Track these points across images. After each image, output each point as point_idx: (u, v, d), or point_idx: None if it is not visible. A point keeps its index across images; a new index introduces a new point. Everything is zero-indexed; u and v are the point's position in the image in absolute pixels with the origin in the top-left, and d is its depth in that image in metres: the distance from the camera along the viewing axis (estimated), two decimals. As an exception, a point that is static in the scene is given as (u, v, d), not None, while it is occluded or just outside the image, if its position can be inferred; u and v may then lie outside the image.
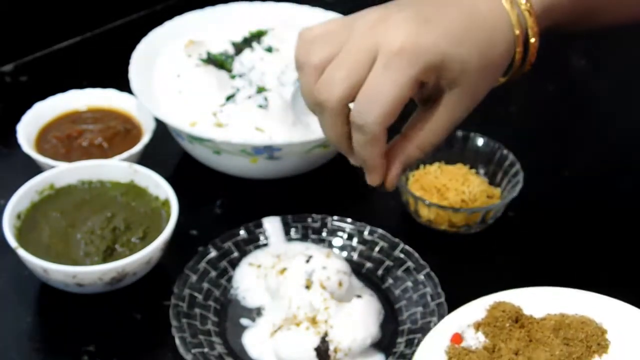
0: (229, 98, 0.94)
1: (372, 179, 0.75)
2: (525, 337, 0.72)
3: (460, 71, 0.70)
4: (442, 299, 0.80)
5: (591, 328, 0.72)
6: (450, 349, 0.71)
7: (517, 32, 0.72)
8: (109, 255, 0.81)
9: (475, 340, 0.72)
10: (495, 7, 0.72)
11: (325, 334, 0.76)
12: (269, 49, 0.98)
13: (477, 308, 0.74)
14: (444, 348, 0.71)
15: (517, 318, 0.73)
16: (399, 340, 0.79)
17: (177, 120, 0.90)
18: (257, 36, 1.00)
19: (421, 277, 0.82)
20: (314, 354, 0.75)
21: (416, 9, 0.70)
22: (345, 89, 0.69)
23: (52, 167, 0.88)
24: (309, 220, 0.88)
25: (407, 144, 0.74)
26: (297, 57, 0.73)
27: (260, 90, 0.94)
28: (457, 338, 0.72)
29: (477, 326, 0.73)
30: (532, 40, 0.73)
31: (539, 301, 0.75)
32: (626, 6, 0.81)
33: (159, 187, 0.86)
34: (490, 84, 0.74)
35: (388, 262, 0.85)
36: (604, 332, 0.72)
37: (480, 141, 0.94)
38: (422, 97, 0.74)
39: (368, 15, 0.71)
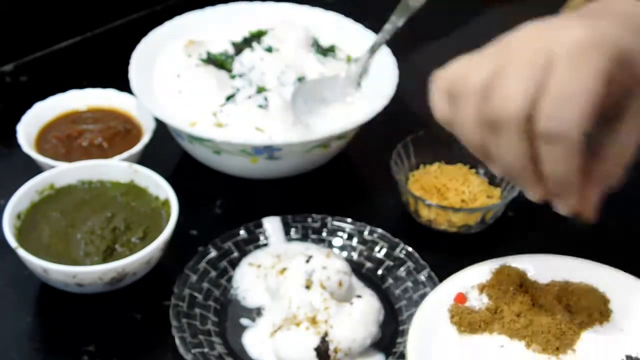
0: (229, 98, 0.94)
1: (573, 203, 0.65)
2: (528, 302, 0.73)
3: None
4: (442, 299, 0.80)
5: (594, 296, 0.74)
6: (453, 307, 0.73)
7: None
8: (109, 255, 0.81)
9: (478, 301, 0.74)
10: None
11: (325, 334, 0.76)
12: (269, 49, 0.98)
13: (483, 270, 0.75)
14: (447, 306, 0.73)
15: (522, 283, 0.75)
16: (399, 340, 0.79)
17: (177, 120, 0.90)
18: (257, 36, 1.00)
19: (421, 277, 0.82)
20: (314, 354, 0.75)
21: (577, 16, 0.63)
22: (525, 98, 0.60)
23: (52, 167, 0.88)
24: (309, 220, 0.88)
25: (603, 163, 0.65)
26: (446, 90, 0.65)
27: (260, 90, 0.94)
28: (461, 298, 0.74)
29: (482, 288, 0.74)
30: None
31: (544, 268, 0.76)
32: None
33: (159, 187, 0.86)
34: None
35: (388, 262, 0.85)
36: (606, 301, 0.74)
37: (480, 141, 0.94)
38: (605, 116, 0.64)
39: (523, 31, 0.63)
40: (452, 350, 0.71)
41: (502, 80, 0.61)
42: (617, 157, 0.65)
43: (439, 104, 0.66)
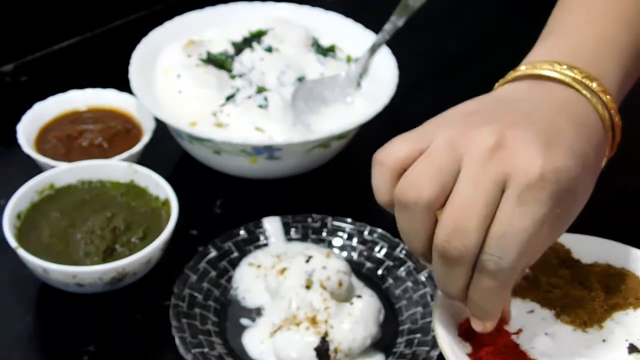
0: (229, 98, 0.94)
1: (488, 327, 0.65)
2: (567, 276, 0.74)
3: (582, 196, 0.64)
4: (442, 299, 0.80)
5: (633, 282, 0.74)
6: None
7: (609, 134, 0.68)
8: (109, 255, 0.81)
9: None
10: (584, 102, 0.66)
11: (325, 334, 0.76)
12: (269, 49, 0.98)
13: None
14: None
15: (565, 259, 0.75)
16: (399, 340, 0.79)
17: (177, 120, 0.90)
18: (257, 36, 1.00)
19: (421, 277, 0.82)
20: (314, 354, 0.75)
21: (524, 127, 0.61)
22: (482, 235, 0.59)
23: (52, 167, 0.88)
24: (309, 220, 0.88)
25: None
26: (375, 161, 0.65)
27: (260, 90, 0.94)
28: None
29: None
30: (616, 119, 0.69)
31: (590, 249, 0.76)
32: None
33: (159, 187, 0.86)
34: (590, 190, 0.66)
35: (388, 262, 0.85)
36: None
37: (480, 141, 0.94)
38: None
39: (478, 134, 0.61)
40: None
41: (419, 162, 0.62)
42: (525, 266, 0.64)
43: (381, 187, 0.65)
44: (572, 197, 0.62)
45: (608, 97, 0.68)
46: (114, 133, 0.94)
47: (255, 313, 0.81)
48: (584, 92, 0.66)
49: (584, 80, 0.67)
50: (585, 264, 0.76)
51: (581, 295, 0.73)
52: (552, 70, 0.67)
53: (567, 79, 0.67)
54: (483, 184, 0.59)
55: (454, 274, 0.61)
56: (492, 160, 0.60)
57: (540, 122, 0.62)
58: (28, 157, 0.91)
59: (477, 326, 0.65)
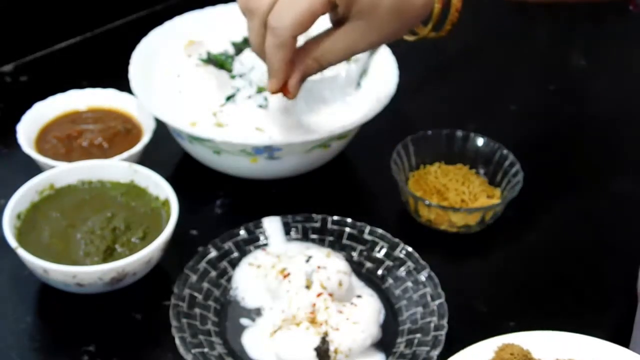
0: (229, 98, 0.94)
1: (272, 84, 0.81)
2: None
3: (371, 6, 0.76)
4: (442, 299, 0.80)
5: None
6: None
7: None
8: (109, 255, 0.81)
9: None
10: None
11: (325, 334, 0.76)
12: (269, 49, 0.98)
13: (485, 349, 0.71)
14: None
15: None
16: (399, 340, 0.79)
17: (177, 120, 0.90)
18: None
19: (421, 277, 0.82)
20: (314, 354, 0.75)
21: None
22: (273, 1, 0.76)
23: (52, 167, 0.88)
24: (309, 220, 0.88)
25: (305, 56, 0.80)
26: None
27: (260, 90, 0.94)
28: None
29: None
30: None
31: (548, 345, 0.72)
32: None
33: (159, 187, 0.86)
34: (400, 29, 0.79)
35: (388, 262, 0.85)
36: None
37: (480, 141, 0.95)
38: (334, 19, 0.79)
39: None
40: None
41: None
42: (317, 54, 0.79)
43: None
44: (359, 7, 0.76)
45: None
46: (114, 133, 0.94)
47: (255, 313, 0.81)
48: None
49: None
50: None
51: None
52: None
53: None
54: None
55: (252, 26, 0.79)
56: None
57: None
58: (28, 157, 0.91)
59: (268, 85, 0.81)
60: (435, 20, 0.78)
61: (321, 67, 0.81)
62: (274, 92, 0.81)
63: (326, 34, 0.80)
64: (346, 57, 0.80)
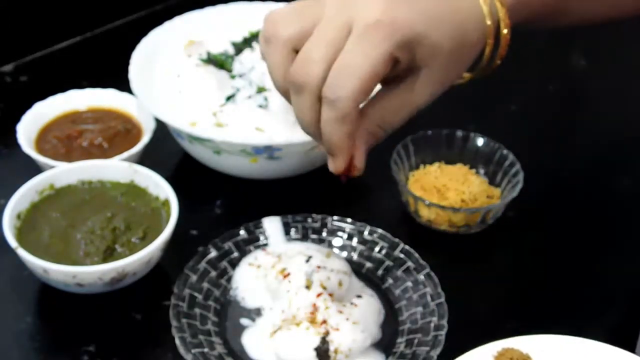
0: (229, 98, 0.94)
1: (337, 164, 0.72)
2: None
3: (432, 53, 0.69)
4: (442, 299, 0.80)
5: None
6: None
7: (489, 22, 0.72)
8: (109, 255, 0.81)
9: None
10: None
11: (325, 334, 0.76)
12: (269, 49, 0.98)
13: (485, 354, 0.72)
14: None
15: None
16: (399, 340, 0.79)
17: (177, 120, 0.90)
18: (257, 36, 1.00)
19: (421, 277, 0.82)
20: (314, 354, 0.75)
21: None
22: (325, 68, 0.67)
23: (52, 167, 0.88)
24: (309, 220, 0.88)
25: (367, 123, 0.72)
26: (264, 34, 0.71)
27: (260, 90, 0.94)
28: None
29: None
30: (504, 32, 0.73)
31: (548, 349, 0.72)
32: (594, 6, 0.82)
33: (159, 187, 0.86)
34: (459, 72, 0.73)
35: (388, 262, 0.85)
36: None
37: (480, 141, 0.95)
38: (390, 76, 0.71)
39: None
40: None
41: (308, 44, 0.68)
42: (381, 119, 0.71)
43: (261, 40, 0.73)
44: (420, 56, 0.69)
45: (504, 10, 0.72)
46: (114, 133, 0.94)
47: (255, 313, 0.81)
48: None
49: None
50: None
51: None
52: None
53: None
54: (329, 27, 0.68)
55: (302, 102, 0.70)
56: (343, 9, 0.68)
57: None
58: (28, 157, 0.91)
59: (330, 165, 0.72)
60: (488, 57, 0.74)
61: (386, 133, 0.72)
62: (340, 173, 0.73)
63: (383, 94, 0.72)
64: (411, 115, 0.72)
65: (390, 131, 0.73)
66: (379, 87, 0.71)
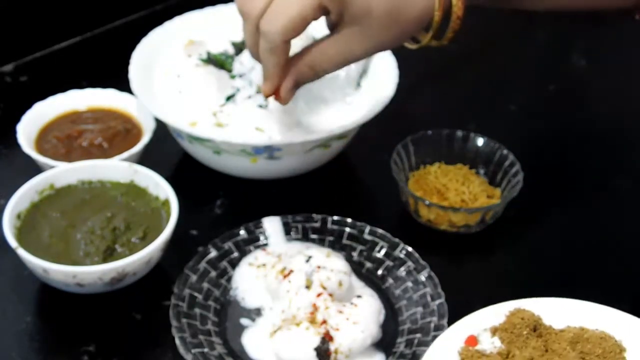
0: (229, 98, 0.94)
1: (266, 87, 0.80)
2: (541, 347, 0.71)
3: (365, 11, 0.74)
4: (442, 299, 0.80)
5: (609, 344, 0.71)
6: (463, 350, 0.71)
7: None
8: (109, 255, 0.81)
9: (490, 344, 0.71)
10: None
11: (325, 334, 0.76)
12: (269, 49, 0.98)
13: (496, 313, 0.73)
14: (457, 349, 0.71)
15: (536, 327, 0.72)
16: (399, 340, 0.79)
17: (177, 120, 0.90)
18: (257, 36, 1.00)
19: (421, 277, 0.82)
20: (314, 354, 0.75)
21: None
22: (265, 4, 0.76)
23: (52, 167, 0.88)
24: (309, 220, 0.88)
25: (299, 61, 0.79)
26: (238, 9, 0.79)
27: (260, 90, 0.94)
28: (472, 340, 0.71)
29: (494, 331, 0.72)
30: (455, 5, 0.76)
31: (560, 312, 0.73)
32: None
33: (159, 187, 0.86)
34: (398, 37, 0.78)
35: (388, 262, 0.85)
36: (622, 350, 0.71)
37: (480, 141, 0.95)
38: (330, 25, 0.78)
39: None
40: None
41: None
42: (312, 60, 0.78)
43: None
44: (351, 11, 0.75)
45: None
46: (114, 133, 0.94)
47: (255, 313, 0.81)
48: None
49: None
50: (557, 330, 0.73)
51: None
52: None
53: None
54: None
55: (246, 31, 0.78)
56: None
57: None
58: (28, 157, 0.91)
59: (262, 86, 0.81)
60: (436, 28, 0.77)
61: (316, 75, 0.79)
62: (267, 96, 0.81)
63: (322, 40, 0.79)
64: (341, 64, 0.79)
65: (320, 74, 0.79)
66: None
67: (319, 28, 0.81)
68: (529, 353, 0.70)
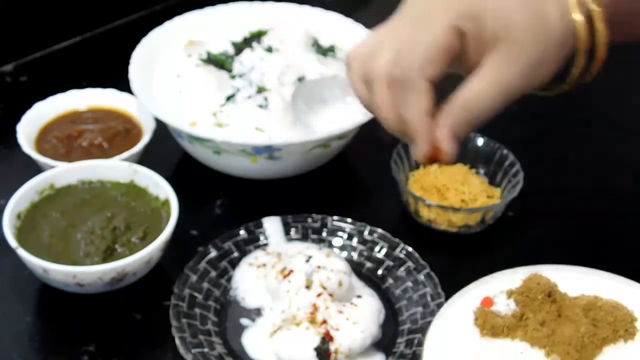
0: (229, 98, 0.94)
1: (419, 148, 0.68)
2: (554, 312, 0.73)
3: (504, 24, 0.65)
4: (442, 299, 0.80)
5: (621, 313, 0.73)
6: (478, 310, 0.73)
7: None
8: (109, 255, 0.81)
9: (505, 306, 0.73)
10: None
11: (325, 334, 0.76)
12: (269, 49, 0.98)
13: (514, 276, 0.75)
14: (473, 308, 0.73)
15: (551, 293, 0.74)
16: (399, 340, 0.79)
17: (177, 120, 0.90)
18: (257, 36, 1.00)
19: (421, 277, 0.82)
20: (314, 354, 0.75)
21: None
22: (393, 54, 0.67)
23: (52, 167, 0.88)
24: (309, 220, 0.88)
25: (450, 106, 0.67)
26: (356, 73, 0.70)
27: (260, 90, 0.94)
28: (488, 301, 0.74)
29: (510, 293, 0.74)
30: (599, 25, 0.68)
31: (576, 280, 0.75)
32: None
33: (159, 187, 0.86)
34: (544, 48, 0.66)
35: (388, 262, 0.85)
36: (634, 319, 0.73)
37: (480, 141, 0.95)
38: (468, 66, 0.68)
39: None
40: (470, 352, 0.71)
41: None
42: (464, 100, 0.67)
43: (358, 87, 0.71)
44: (490, 27, 0.65)
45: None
46: (114, 133, 0.94)
47: (255, 313, 0.81)
48: None
49: None
50: (571, 297, 0.74)
51: (569, 332, 0.71)
52: None
53: None
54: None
55: (380, 95, 0.68)
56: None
57: None
58: (28, 157, 0.91)
59: (414, 152, 0.69)
60: (585, 43, 0.68)
61: (472, 116, 0.67)
62: (426, 162, 0.69)
63: (467, 80, 0.67)
64: (501, 97, 0.66)
65: (481, 115, 0.67)
66: None
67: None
68: (542, 317, 0.72)
